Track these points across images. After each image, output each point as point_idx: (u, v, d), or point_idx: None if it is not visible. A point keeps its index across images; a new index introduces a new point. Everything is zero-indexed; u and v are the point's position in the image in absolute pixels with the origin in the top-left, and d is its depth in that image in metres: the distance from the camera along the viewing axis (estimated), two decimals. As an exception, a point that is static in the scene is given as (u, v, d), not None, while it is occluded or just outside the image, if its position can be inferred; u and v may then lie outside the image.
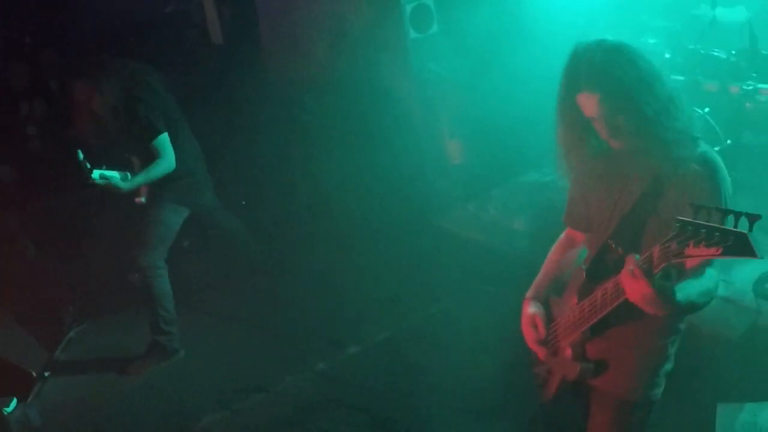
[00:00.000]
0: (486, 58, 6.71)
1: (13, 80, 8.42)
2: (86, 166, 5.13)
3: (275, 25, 8.31)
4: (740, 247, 2.11)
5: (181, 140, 5.52)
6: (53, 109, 8.30)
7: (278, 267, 6.67)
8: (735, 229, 2.12)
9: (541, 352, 3.19)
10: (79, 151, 5.12)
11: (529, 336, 3.19)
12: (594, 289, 2.87)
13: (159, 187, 5.55)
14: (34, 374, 5.40)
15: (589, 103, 2.75)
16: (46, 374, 5.62)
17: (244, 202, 7.38)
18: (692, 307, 2.63)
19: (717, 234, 2.15)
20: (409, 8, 6.92)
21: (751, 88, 5.89)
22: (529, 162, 6.86)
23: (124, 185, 5.32)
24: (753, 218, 2.13)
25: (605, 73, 2.68)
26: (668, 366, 3.06)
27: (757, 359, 4.31)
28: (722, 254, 2.15)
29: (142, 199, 5.58)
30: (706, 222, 2.19)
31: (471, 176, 7.16)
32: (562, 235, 3.38)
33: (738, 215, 2.13)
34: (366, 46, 7.29)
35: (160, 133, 5.34)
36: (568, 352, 3.04)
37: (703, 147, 2.80)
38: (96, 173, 5.17)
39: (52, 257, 7.07)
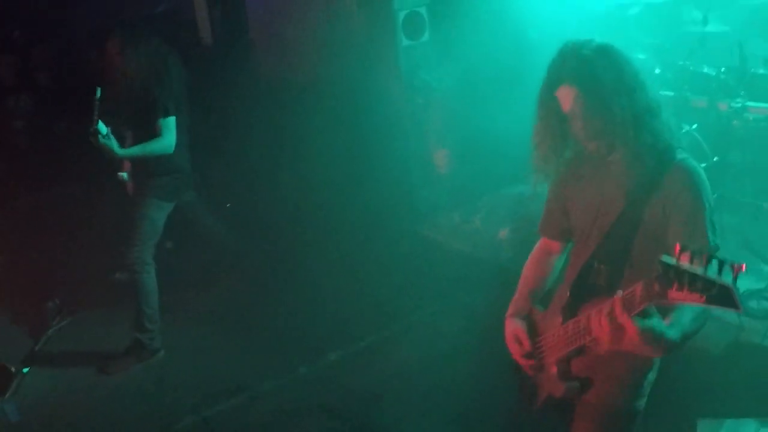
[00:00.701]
0: (477, 68, 6.72)
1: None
2: (98, 105, 5.14)
3: (266, 29, 8.30)
4: (724, 298, 2.07)
5: (179, 134, 5.51)
6: (40, 104, 8.27)
7: (263, 270, 6.64)
8: (719, 281, 2.07)
9: (527, 366, 3.15)
10: (99, 89, 5.14)
11: (515, 351, 3.15)
12: (578, 308, 2.85)
13: (145, 185, 5.57)
14: (12, 369, 5.37)
15: (567, 98, 2.75)
16: (26, 370, 5.58)
17: (228, 205, 7.37)
18: (688, 337, 2.56)
19: (700, 283, 2.10)
20: (401, 15, 6.93)
21: (739, 105, 5.90)
22: (517, 173, 6.83)
23: (119, 151, 5.33)
24: (737, 268, 2.07)
25: (588, 68, 2.70)
26: (652, 375, 3.04)
27: (739, 375, 4.30)
28: (705, 302, 2.11)
29: (124, 176, 5.69)
30: (690, 267, 2.12)
31: (458, 186, 7.17)
32: (538, 245, 3.34)
33: (722, 263, 2.07)
34: (357, 51, 7.29)
35: (169, 113, 5.39)
36: (554, 369, 3.01)
37: (682, 155, 2.78)
38: (101, 124, 5.19)
39: (34, 253, 7.02)
